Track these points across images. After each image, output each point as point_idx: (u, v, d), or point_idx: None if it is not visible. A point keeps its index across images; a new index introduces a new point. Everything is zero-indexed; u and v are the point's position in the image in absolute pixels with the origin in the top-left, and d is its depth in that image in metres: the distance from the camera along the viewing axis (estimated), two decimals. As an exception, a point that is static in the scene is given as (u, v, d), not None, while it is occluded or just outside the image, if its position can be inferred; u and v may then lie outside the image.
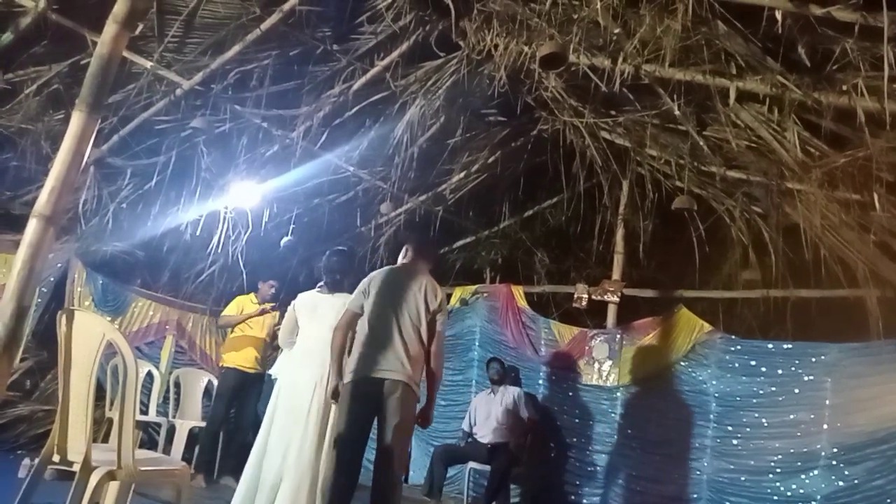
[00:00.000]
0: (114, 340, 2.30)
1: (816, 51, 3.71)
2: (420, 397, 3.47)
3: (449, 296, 7.05)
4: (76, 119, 2.24)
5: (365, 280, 3.58)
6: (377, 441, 3.35)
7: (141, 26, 4.43)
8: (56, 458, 2.37)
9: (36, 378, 5.60)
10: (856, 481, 4.54)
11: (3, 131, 5.01)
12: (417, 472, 6.29)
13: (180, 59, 4.85)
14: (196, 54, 4.84)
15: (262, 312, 5.45)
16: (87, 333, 2.33)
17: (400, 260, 3.81)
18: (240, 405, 5.44)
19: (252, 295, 5.65)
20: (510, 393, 5.78)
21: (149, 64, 4.69)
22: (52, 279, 5.68)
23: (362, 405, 3.32)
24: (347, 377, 3.36)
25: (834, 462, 4.66)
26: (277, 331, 5.40)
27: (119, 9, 2.35)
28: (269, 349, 5.47)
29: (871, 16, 3.23)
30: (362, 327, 3.45)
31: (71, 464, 2.32)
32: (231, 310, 5.56)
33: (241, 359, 5.39)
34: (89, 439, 2.28)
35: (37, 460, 2.41)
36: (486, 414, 5.75)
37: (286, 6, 4.45)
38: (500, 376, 5.88)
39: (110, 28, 2.34)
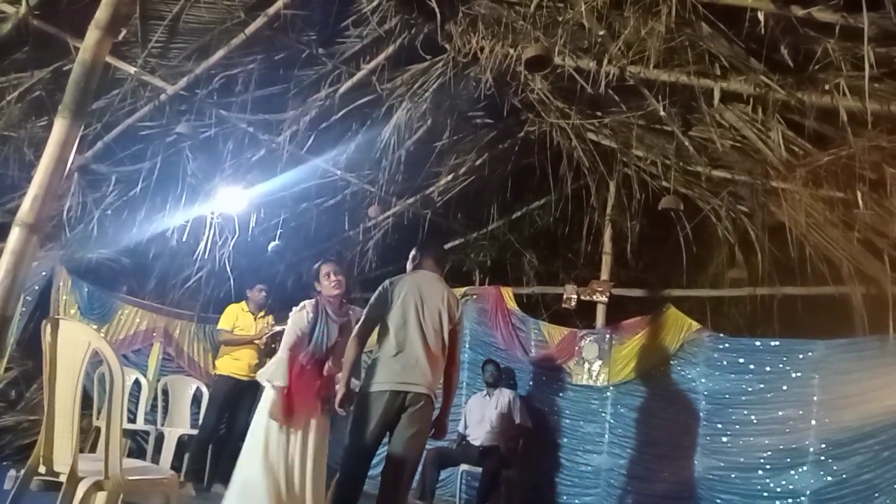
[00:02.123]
0: (99, 349, 2.29)
1: (799, 51, 3.74)
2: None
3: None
4: (59, 126, 2.22)
5: (385, 288, 3.52)
6: (391, 451, 3.34)
7: (124, 32, 4.40)
8: (42, 468, 2.34)
9: (21, 388, 5.53)
10: (844, 476, 4.59)
11: (-15, 139, 4.96)
12: (409, 476, 6.27)
13: (164, 65, 4.81)
14: (180, 59, 4.80)
15: (271, 335, 5.39)
16: (73, 342, 2.31)
17: (409, 266, 3.78)
18: (232, 413, 5.41)
19: (243, 303, 5.62)
20: (505, 396, 5.78)
21: (133, 69, 4.65)
22: (36, 287, 5.62)
23: (383, 416, 3.30)
24: (372, 387, 3.32)
25: (822, 457, 4.70)
26: (270, 335, 5.39)
27: (101, 14, 2.34)
28: (263, 356, 5.43)
29: (851, 16, 3.26)
30: (385, 337, 3.42)
31: (57, 474, 2.30)
32: (226, 321, 5.51)
33: (236, 366, 5.37)
34: (76, 449, 2.26)
35: (23, 471, 2.38)
36: (480, 417, 5.75)
37: (271, 10, 4.42)
38: (495, 379, 5.88)
39: (93, 34, 2.33)
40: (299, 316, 3.76)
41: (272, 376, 3.59)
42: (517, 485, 5.60)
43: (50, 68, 4.64)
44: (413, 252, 3.83)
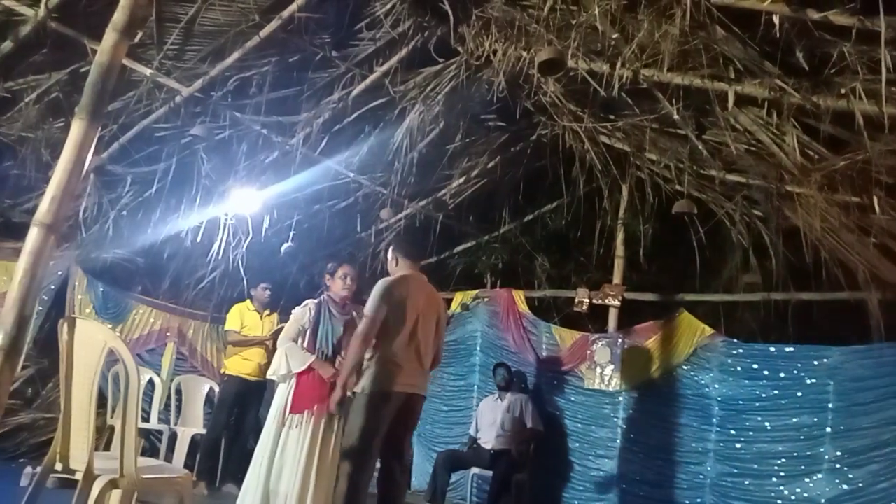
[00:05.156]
0: (115, 348, 2.31)
1: (814, 55, 3.71)
2: None
3: (450, 301, 7.05)
4: (76, 127, 2.24)
5: (383, 287, 3.50)
6: (390, 449, 3.40)
7: (140, 34, 4.43)
8: (58, 466, 2.37)
9: (37, 386, 5.59)
10: (860, 484, 4.53)
11: (4, 139, 5.02)
12: (420, 478, 6.27)
13: (180, 67, 4.85)
14: (195, 61, 4.85)
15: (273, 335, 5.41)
16: (89, 342, 2.33)
17: (391, 267, 3.79)
18: (241, 412, 5.44)
19: (248, 302, 5.65)
20: (517, 400, 5.76)
21: (148, 71, 4.69)
22: (52, 287, 5.67)
23: (386, 417, 3.34)
24: (381, 388, 3.35)
25: (838, 465, 4.65)
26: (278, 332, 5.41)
27: (119, 17, 2.35)
28: (271, 355, 5.46)
29: (868, 20, 3.23)
30: (392, 339, 3.42)
31: (73, 472, 2.32)
32: (233, 321, 5.54)
33: (244, 367, 5.39)
34: (91, 447, 2.28)
35: (39, 469, 2.41)
36: (492, 420, 5.74)
37: (285, 13, 4.45)
38: (507, 382, 5.87)
39: (110, 36, 2.34)
40: (301, 312, 3.95)
41: (292, 365, 3.67)
42: (528, 489, 5.58)
43: (67, 70, 4.69)
44: (398, 251, 3.80)
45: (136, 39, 4.31)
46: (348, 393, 3.43)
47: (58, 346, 2.40)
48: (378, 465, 3.51)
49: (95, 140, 2.31)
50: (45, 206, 2.18)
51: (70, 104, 4.72)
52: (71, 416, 2.36)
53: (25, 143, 5.02)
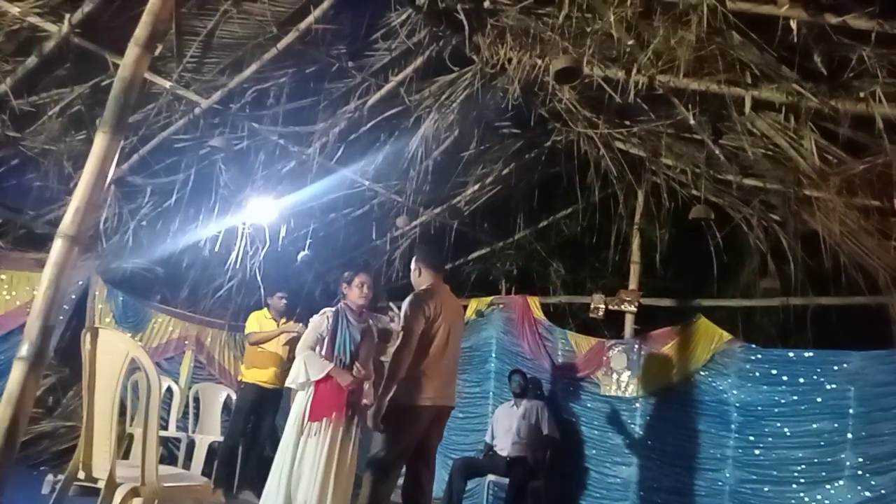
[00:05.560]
0: (138, 358, 2.34)
1: (832, 59, 3.68)
2: None
3: (465, 307, 7.06)
4: (100, 141, 2.28)
5: (418, 300, 3.49)
6: (420, 457, 3.48)
7: (160, 47, 4.51)
8: (81, 474, 2.40)
9: (58, 394, 5.67)
10: (883, 492, 4.46)
11: (27, 152, 5.11)
12: (436, 486, 6.24)
13: (199, 79, 4.92)
14: (214, 74, 4.91)
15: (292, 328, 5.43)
16: (112, 351, 2.37)
17: (414, 278, 3.81)
18: (258, 420, 5.47)
19: (265, 310, 5.70)
20: (533, 407, 5.74)
21: (168, 84, 4.76)
22: (73, 296, 5.75)
23: (418, 430, 3.40)
24: (415, 401, 3.37)
25: (860, 472, 4.58)
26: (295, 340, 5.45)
27: (140, 32, 2.40)
28: (288, 363, 5.50)
29: (887, 23, 3.21)
30: (428, 352, 3.44)
31: (96, 480, 2.35)
32: (250, 327, 5.59)
33: (261, 375, 5.43)
34: (114, 456, 2.31)
35: (61, 476, 2.45)
36: (507, 427, 5.72)
37: (302, 25, 4.50)
38: (522, 389, 5.85)
39: (132, 51, 2.39)
40: (319, 320, 3.99)
41: (311, 373, 3.71)
42: (545, 496, 5.55)
43: (89, 84, 4.77)
44: (422, 262, 3.80)
45: (156, 52, 4.39)
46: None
47: (79, 355, 2.44)
48: (404, 471, 3.54)
49: (118, 153, 2.35)
50: (68, 218, 2.22)
51: (92, 117, 4.80)
52: (94, 425, 2.39)
53: (48, 156, 5.11)
